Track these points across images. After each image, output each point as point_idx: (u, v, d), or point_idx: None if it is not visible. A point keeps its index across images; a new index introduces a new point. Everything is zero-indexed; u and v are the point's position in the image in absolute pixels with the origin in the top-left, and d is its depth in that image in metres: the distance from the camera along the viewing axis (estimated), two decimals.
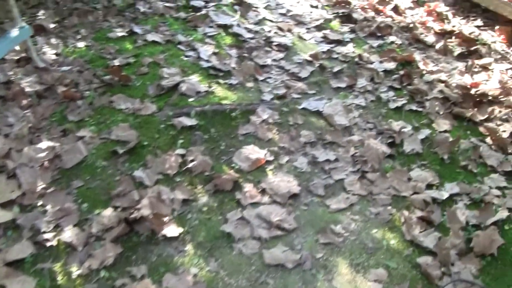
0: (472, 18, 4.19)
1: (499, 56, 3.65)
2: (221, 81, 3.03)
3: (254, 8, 3.96)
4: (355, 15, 3.99)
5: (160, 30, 3.45)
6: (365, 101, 3.03)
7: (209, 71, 3.09)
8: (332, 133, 2.74)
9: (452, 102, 3.05)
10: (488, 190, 2.47)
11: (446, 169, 2.61)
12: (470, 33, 3.90)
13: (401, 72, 3.28)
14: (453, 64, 3.50)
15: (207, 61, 3.17)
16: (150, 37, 3.34)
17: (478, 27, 4.07)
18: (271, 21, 3.83)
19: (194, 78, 2.99)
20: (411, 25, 3.96)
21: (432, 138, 2.78)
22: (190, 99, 2.82)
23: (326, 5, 4.17)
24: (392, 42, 3.69)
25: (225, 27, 3.60)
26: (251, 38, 3.52)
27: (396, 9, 4.21)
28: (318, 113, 2.88)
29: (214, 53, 3.27)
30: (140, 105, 2.76)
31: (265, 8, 4.01)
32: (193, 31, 3.51)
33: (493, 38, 3.89)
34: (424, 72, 3.34)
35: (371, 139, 2.69)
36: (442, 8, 4.28)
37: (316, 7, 4.15)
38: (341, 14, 4.02)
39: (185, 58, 3.19)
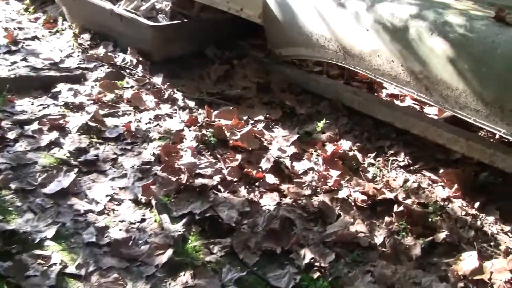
0: (390, 154, 2.74)
1: (472, 234, 2.23)
2: None
3: None
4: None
5: None
6: None
7: None
8: None
9: None
10: None
11: None
12: (406, 189, 2.44)
13: None
14: (429, 284, 1.96)
15: None
16: None
17: (405, 168, 2.64)
18: None
19: None
20: (318, 204, 2.33)
21: None
22: None
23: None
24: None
25: None
26: None
27: (278, 170, 2.53)
28: None
29: None
30: None
31: None
32: None
33: (443, 191, 2.47)
34: None
35: None
36: (343, 144, 2.76)
37: None
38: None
39: None
